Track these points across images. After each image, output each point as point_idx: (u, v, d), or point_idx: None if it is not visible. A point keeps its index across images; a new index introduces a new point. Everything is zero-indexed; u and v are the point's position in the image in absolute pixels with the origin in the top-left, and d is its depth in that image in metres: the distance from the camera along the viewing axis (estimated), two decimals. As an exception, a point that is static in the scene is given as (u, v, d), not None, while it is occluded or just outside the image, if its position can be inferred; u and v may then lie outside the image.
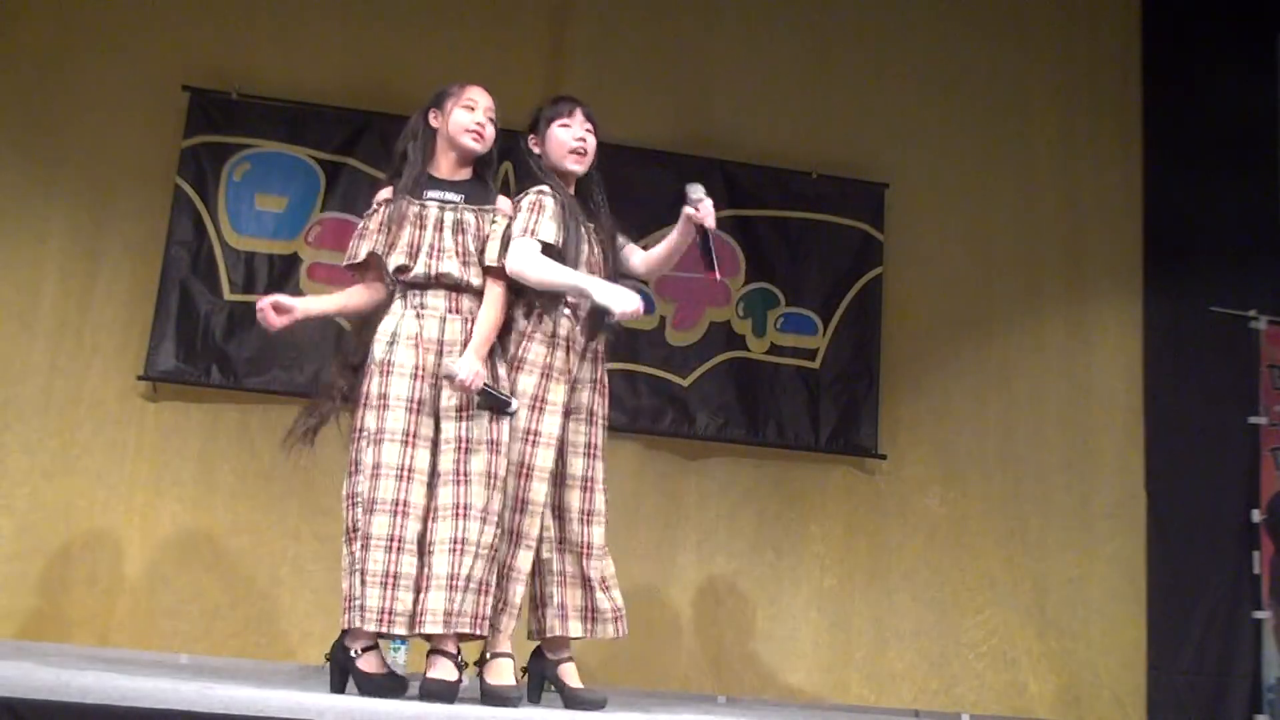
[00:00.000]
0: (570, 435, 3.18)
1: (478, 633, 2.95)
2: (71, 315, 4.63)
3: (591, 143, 3.28)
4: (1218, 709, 4.87)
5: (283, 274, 4.72)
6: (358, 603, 2.90)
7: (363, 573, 2.90)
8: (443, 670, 2.94)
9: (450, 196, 3.16)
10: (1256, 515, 5.01)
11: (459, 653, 3.00)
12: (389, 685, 2.97)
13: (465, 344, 3.04)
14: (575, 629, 3.12)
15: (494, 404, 3.00)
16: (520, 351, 3.11)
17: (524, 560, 3.05)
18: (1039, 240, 5.29)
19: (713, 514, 4.88)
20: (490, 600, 2.95)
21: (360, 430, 3.02)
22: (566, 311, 3.15)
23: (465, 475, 2.96)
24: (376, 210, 3.20)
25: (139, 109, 4.79)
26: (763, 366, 4.97)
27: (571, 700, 3.11)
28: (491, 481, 2.97)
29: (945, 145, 5.29)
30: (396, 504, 2.93)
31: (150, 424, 4.59)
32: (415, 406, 3.00)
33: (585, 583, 3.14)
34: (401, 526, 2.92)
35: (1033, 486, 5.07)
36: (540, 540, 3.09)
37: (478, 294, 3.12)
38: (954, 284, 5.21)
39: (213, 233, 4.70)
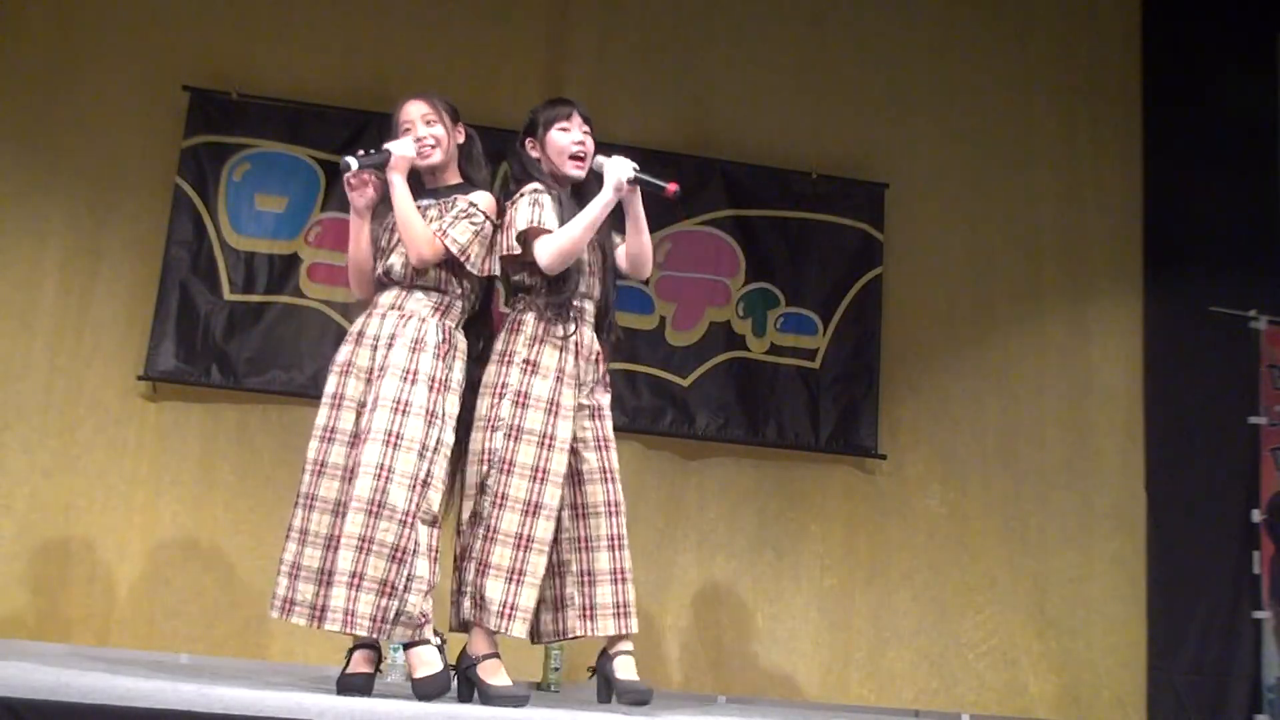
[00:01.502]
0: (579, 432, 3.18)
1: (374, 636, 2.93)
2: (72, 315, 4.63)
3: (590, 145, 3.27)
4: (1218, 709, 4.87)
5: (283, 274, 4.72)
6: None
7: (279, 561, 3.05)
8: (426, 665, 2.93)
9: (425, 201, 3.21)
10: (1256, 515, 5.00)
11: (443, 640, 3.01)
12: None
13: (394, 338, 3.05)
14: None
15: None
16: (534, 356, 3.12)
17: (536, 564, 3.02)
18: (1039, 240, 5.29)
19: (713, 514, 4.88)
20: (392, 602, 2.91)
21: None
22: (574, 314, 3.19)
23: (352, 468, 2.99)
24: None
25: (139, 109, 4.79)
26: (763, 366, 4.97)
27: (623, 692, 3.11)
28: (398, 478, 2.95)
29: (945, 145, 5.29)
30: (307, 498, 3.05)
31: (150, 424, 4.59)
32: (337, 402, 3.08)
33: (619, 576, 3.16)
34: (307, 519, 3.03)
35: (1033, 486, 5.07)
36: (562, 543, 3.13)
37: (430, 290, 3.13)
38: (954, 284, 5.21)
39: (213, 233, 4.70)
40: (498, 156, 4.88)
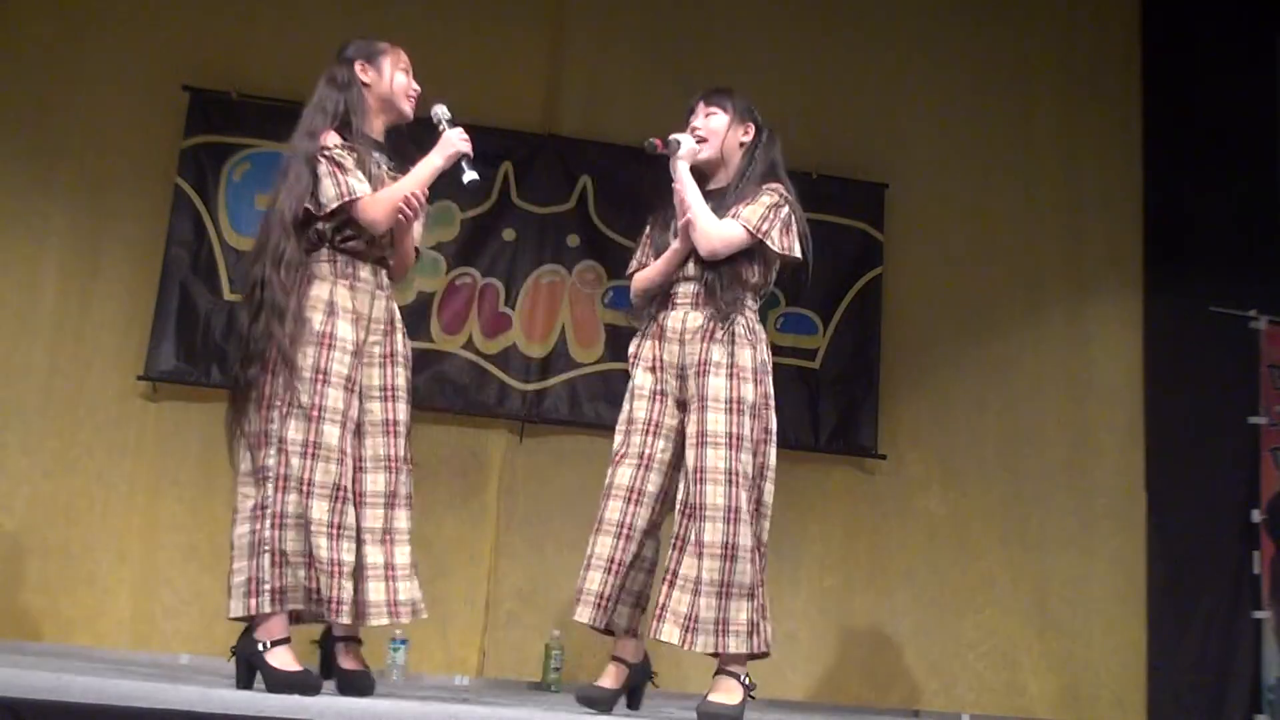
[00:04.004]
0: (671, 423, 3.07)
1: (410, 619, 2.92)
2: (72, 315, 4.63)
3: (711, 126, 3.15)
4: (1218, 709, 4.86)
5: (283, 274, 4.71)
6: (267, 586, 2.82)
7: (311, 557, 2.80)
8: (358, 660, 2.94)
9: (382, 160, 3.02)
10: (1256, 515, 5.00)
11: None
12: (302, 683, 2.75)
13: (391, 323, 3.00)
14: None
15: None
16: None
17: (601, 544, 3.01)
18: (1039, 240, 5.29)
19: (713, 514, 4.87)
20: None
21: (288, 403, 2.83)
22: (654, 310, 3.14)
23: (396, 460, 2.96)
24: (340, 150, 2.91)
25: (139, 109, 4.79)
26: (763, 366, 4.96)
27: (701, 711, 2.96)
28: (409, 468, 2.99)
29: (945, 145, 5.29)
30: (338, 489, 2.82)
31: (150, 424, 4.59)
32: (353, 387, 2.89)
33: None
34: (343, 513, 2.83)
35: (1033, 486, 5.07)
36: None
37: (382, 263, 3.01)
38: (954, 284, 5.21)
39: (213, 233, 4.69)
40: (498, 156, 4.92)
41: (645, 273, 3.16)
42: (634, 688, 3.10)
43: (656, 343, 3.08)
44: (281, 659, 2.81)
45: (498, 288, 4.87)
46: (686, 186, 3.05)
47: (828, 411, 4.97)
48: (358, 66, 3.06)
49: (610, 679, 3.03)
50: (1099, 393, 5.18)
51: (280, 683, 2.76)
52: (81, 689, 2.34)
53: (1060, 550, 5.02)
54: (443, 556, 4.65)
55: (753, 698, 2.91)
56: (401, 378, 3.01)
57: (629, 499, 3.01)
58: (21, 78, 4.75)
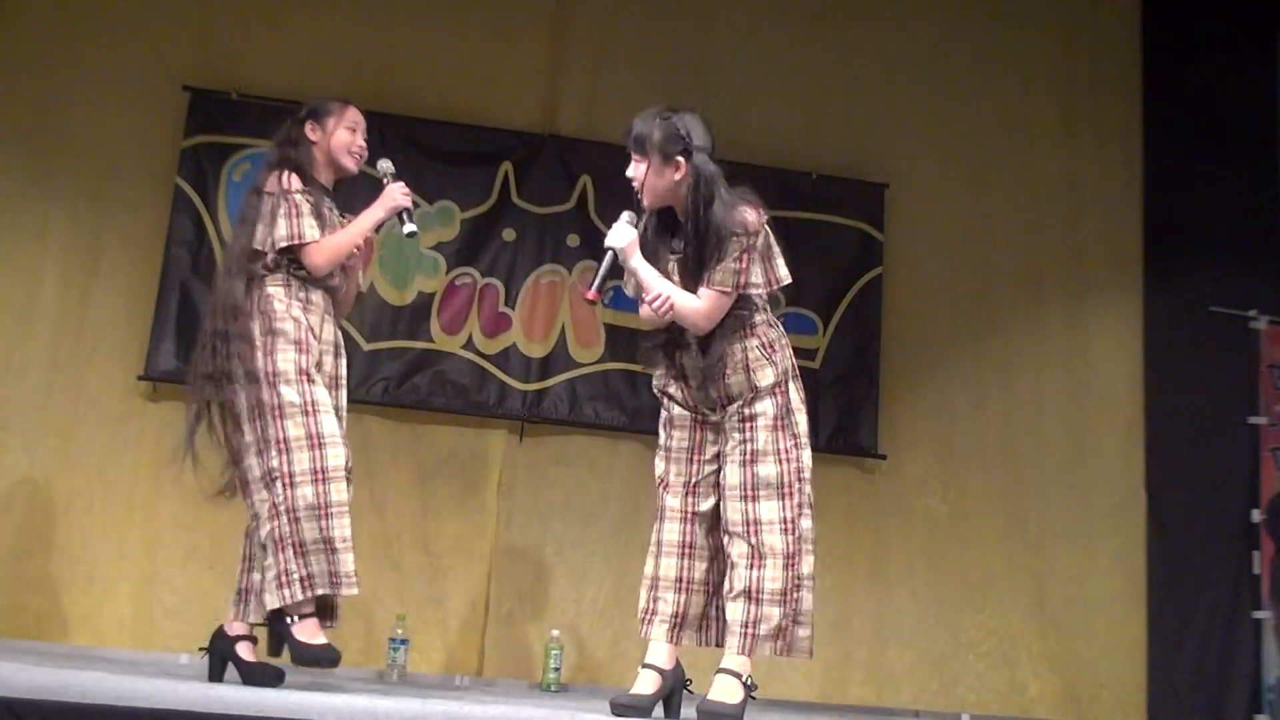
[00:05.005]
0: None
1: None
2: (72, 314, 4.62)
3: (637, 175, 3.11)
4: (1218, 709, 4.87)
5: (283, 274, 4.72)
6: (296, 575, 2.98)
7: (331, 540, 3.00)
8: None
9: (333, 205, 3.32)
10: (1256, 515, 5.01)
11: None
12: (325, 657, 3.00)
13: (337, 346, 3.26)
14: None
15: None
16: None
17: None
18: (1039, 240, 5.29)
19: (713, 514, 4.88)
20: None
21: (277, 405, 3.02)
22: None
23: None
24: (300, 195, 3.20)
25: (139, 109, 4.78)
26: (763, 366, 4.96)
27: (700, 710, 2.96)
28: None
29: (945, 145, 5.29)
30: (349, 470, 3.07)
31: (150, 423, 4.59)
32: (329, 385, 3.19)
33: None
34: (349, 492, 3.08)
35: (1033, 485, 5.07)
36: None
37: (335, 301, 3.31)
38: (954, 284, 5.21)
39: (213, 233, 4.69)
40: (497, 156, 4.92)
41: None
42: (669, 695, 3.02)
43: (684, 385, 3.09)
44: (309, 633, 3.01)
45: (498, 288, 4.87)
46: (645, 281, 3.06)
47: (828, 411, 4.96)
48: (307, 126, 3.34)
49: (646, 685, 2.96)
50: (1099, 393, 5.18)
51: (307, 656, 2.99)
52: (81, 689, 2.35)
53: (1060, 550, 5.02)
54: (443, 556, 4.65)
55: (753, 698, 2.91)
56: (344, 399, 3.25)
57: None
58: (22, 77, 4.74)
